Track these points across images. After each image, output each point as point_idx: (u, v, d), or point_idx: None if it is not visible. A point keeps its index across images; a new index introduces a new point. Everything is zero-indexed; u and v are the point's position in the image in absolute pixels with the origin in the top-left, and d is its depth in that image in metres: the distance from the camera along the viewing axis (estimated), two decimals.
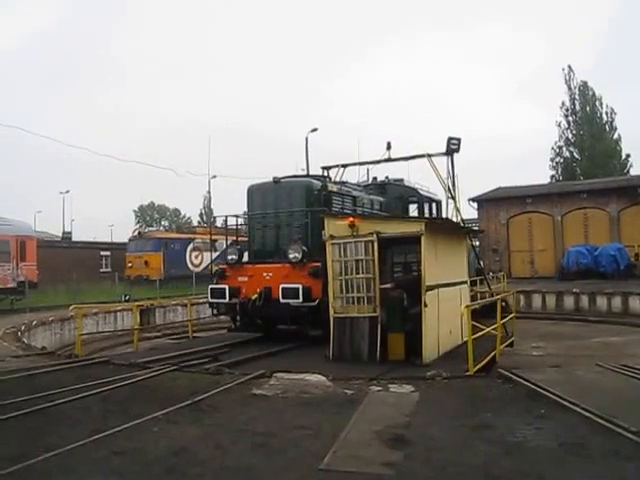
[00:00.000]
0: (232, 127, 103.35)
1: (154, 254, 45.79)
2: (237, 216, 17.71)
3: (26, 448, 6.54)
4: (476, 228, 36.07)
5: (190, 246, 49.21)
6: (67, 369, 11.83)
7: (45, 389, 9.37)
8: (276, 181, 16.18)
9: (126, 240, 50.99)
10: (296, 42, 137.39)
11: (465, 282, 16.37)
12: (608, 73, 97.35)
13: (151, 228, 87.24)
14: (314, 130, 42.84)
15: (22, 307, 25.60)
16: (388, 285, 13.35)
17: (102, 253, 55.08)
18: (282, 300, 14.58)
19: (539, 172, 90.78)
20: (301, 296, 14.33)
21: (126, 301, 26.80)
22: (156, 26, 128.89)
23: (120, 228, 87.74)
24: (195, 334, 19.62)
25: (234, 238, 17.92)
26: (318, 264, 14.50)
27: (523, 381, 9.45)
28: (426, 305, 12.42)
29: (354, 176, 21.85)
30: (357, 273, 13.01)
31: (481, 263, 29.29)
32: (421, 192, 21.47)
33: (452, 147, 19.93)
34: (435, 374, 10.35)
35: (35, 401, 8.59)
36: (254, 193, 16.77)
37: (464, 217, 30.53)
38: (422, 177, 21.74)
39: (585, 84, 65.44)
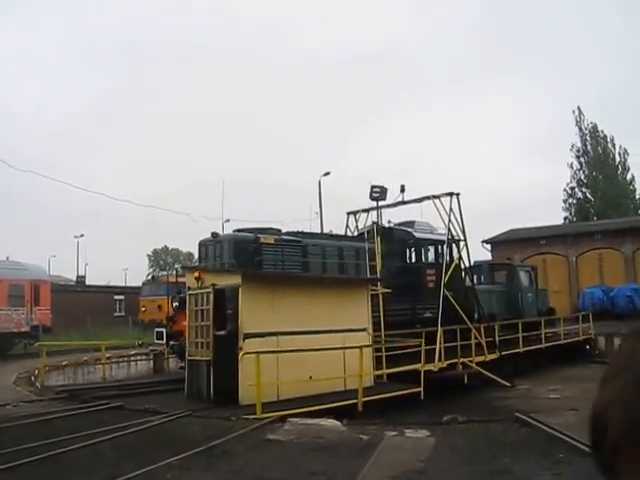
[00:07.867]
0: (247, 178, 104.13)
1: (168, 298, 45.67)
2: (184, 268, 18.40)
3: None
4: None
5: None
6: (81, 414, 11.81)
7: (58, 435, 9.35)
8: (214, 236, 17.47)
9: (140, 284, 50.98)
10: (310, 101, 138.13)
11: (361, 329, 16.02)
12: (619, 114, 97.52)
13: (164, 272, 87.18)
14: (327, 174, 42.99)
15: (35, 351, 25.54)
16: (222, 332, 13.94)
17: (116, 297, 54.91)
18: None
19: (551, 216, 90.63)
20: None
21: (139, 345, 26.72)
22: (188, 89, 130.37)
23: (134, 272, 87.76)
24: None
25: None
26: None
27: (540, 425, 9.36)
28: (240, 350, 13.14)
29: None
30: (202, 321, 14.21)
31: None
32: (416, 235, 21.66)
33: (374, 195, 20.93)
34: (451, 419, 10.26)
35: (48, 447, 8.55)
36: (201, 247, 18.33)
37: (479, 258, 30.79)
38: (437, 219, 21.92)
39: (595, 126, 65.50)
